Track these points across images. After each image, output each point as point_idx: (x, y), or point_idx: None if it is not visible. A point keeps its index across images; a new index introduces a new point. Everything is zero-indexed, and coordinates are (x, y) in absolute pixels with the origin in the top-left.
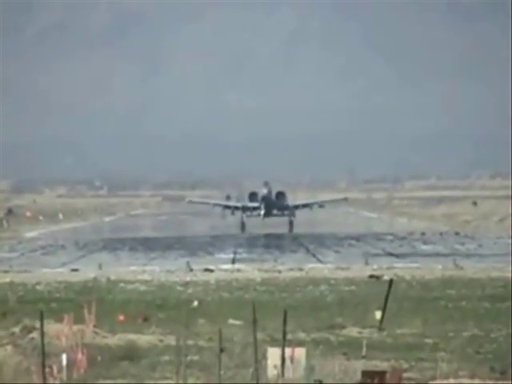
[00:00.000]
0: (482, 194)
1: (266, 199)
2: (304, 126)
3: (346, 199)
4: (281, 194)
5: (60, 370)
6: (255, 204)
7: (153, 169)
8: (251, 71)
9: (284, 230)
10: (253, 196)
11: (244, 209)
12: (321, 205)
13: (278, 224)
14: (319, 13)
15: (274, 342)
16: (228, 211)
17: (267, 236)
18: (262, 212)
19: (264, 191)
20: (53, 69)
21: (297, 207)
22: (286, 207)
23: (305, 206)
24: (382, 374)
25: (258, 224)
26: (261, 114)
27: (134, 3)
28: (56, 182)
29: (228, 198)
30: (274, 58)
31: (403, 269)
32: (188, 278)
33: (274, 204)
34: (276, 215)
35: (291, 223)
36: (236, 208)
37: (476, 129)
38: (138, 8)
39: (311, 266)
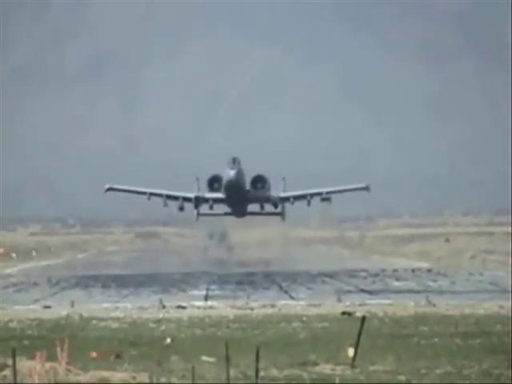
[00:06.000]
0: (455, 231)
1: (232, 186)
2: (281, 165)
3: (367, 188)
4: (259, 181)
5: None
6: (217, 194)
7: (125, 206)
8: (231, 108)
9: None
10: (214, 182)
11: (198, 201)
12: (325, 197)
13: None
14: (297, 51)
15: (246, 379)
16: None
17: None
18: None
19: (230, 174)
20: (25, 107)
21: (286, 200)
22: (268, 199)
23: (298, 198)
24: None
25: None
26: (238, 152)
27: (108, 41)
28: (29, 219)
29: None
30: (251, 95)
31: (376, 305)
32: (161, 315)
33: (247, 195)
34: (252, 213)
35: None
36: (186, 200)
37: (452, 167)
38: (113, 45)
39: (284, 302)
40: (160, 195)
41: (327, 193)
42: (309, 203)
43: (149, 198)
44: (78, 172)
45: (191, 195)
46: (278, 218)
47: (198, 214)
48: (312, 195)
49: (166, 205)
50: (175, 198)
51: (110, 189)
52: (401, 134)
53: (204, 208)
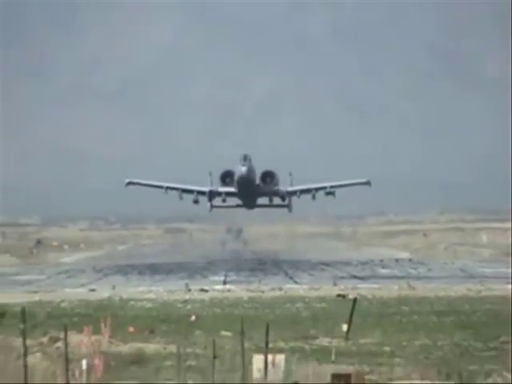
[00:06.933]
0: (432, 227)
1: (243, 181)
2: (284, 170)
3: (368, 183)
4: (269, 176)
5: (81, 374)
6: (229, 188)
7: (156, 207)
8: (242, 123)
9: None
10: (227, 177)
11: (212, 194)
12: (329, 191)
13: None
14: (298, 72)
15: (258, 350)
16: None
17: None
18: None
19: (242, 170)
20: (68, 122)
21: (293, 194)
22: (276, 193)
23: (304, 191)
24: (348, 376)
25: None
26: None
27: (130, 66)
28: (78, 218)
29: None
30: (262, 112)
31: (365, 289)
32: (187, 297)
33: (257, 189)
34: (261, 206)
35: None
36: (200, 193)
37: (430, 172)
38: (135, 69)
39: (289, 286)
40: (176, 189)
41: (331, 187)
42: (314, 197)
43: (166, 192)
44: (116, 176)
45: (205, 189)
46: (286, 215)
47: (212, 206)
48: (317, 189)
49: (181, 198)
50: (190, 191)
51: (129, 183)
52: (384, 145)
53: (217, 201)
